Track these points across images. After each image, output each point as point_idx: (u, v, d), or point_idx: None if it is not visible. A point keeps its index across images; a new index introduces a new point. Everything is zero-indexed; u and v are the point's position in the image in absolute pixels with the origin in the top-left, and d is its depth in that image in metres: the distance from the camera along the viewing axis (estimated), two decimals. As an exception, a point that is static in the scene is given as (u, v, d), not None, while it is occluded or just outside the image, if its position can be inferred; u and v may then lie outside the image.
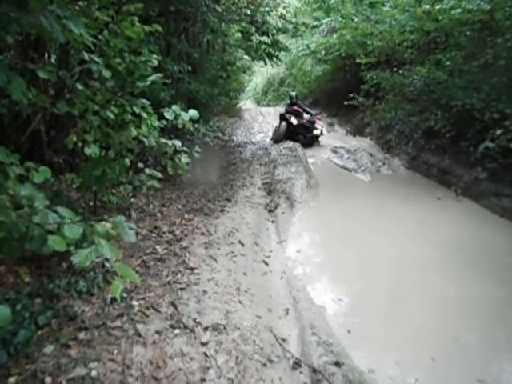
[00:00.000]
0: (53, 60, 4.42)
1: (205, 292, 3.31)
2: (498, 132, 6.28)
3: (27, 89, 2.16)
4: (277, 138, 11.09)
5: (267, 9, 9.92)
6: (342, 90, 13.06)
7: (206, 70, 9.41)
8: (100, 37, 3.13)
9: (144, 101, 3.49)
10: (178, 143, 3.57)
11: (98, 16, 2.97)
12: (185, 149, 3.70)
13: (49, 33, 2.16)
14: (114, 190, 4.62)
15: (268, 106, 21.02)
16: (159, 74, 3.76)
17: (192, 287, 3.36)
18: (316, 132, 11.04)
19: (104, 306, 2.88)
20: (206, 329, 2.83)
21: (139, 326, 2.73)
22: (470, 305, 3.74)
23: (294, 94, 12.15)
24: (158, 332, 2.71)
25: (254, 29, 9.89)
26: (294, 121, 10.86)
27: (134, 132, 3.31)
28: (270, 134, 12.24)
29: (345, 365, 2.81)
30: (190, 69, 7.32)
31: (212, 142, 9.63)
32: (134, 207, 4.83)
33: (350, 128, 12.91)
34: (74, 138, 3.22)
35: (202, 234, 4.54)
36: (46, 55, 4.27)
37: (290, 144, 10.24)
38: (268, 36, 10.29)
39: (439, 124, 8.05)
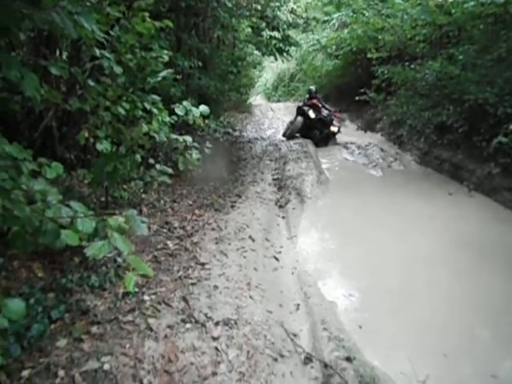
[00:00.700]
0: (64, 56, 4.45)
1: (216, 287, 3.32)
2: (512, 127, 6.21)
3: (39, 85, 2.18)
4: (291, 133, 10.67)
5: (278, 4, 9.88)
6: (352, 85, 12.98)
7: (216, 65, 9.41)
8: (111, 33, 3.14)
9: (155, 96, 3.51)
10: (188, 139, 3.57)
11: (110, 12, 2.99)
12: (195, 144, 3.71)
13: (61, 29, 2.18)
14: (125, 186, 4.65)
15: (278, 101, 20.98)
16: (170, 70, 3.77)
17: (203, 282, 3.38)
18: (333, 129, 10.49)
19: (116, 301, 2.91)
20: (217, 323, 2.84)
21: (151, 321, 2.75)
22: (482, 300, 3.70)
23: (313, 87, 11.59)
24: (169, 326, 2.73)
25: (264, 24, 9.86)
26: (311, 114, 10.35)
27: (145, 128, 3.32)
28: (281, 129, 12.11)
29: (356, 360, 2.80)
30: (200, 64, 7.32)
31: (222, 138, 9.64)
32: (145, 203, 4.85)
33: (360, 123, 12.83)
34: (86, 134, 3.24)
35: (213, 229, 4.55)
36: (58, 51, 4.29)
37: (300, 139, 10.19)
38: (278, 31, 10.26)
39: (452, 119, 7.96)
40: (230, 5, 7.37)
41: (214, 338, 2.69)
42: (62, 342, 2.44)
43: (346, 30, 13.46)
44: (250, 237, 4.49)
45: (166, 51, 3.65)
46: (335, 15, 14.33)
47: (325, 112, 10.62)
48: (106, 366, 2.30)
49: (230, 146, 9.70)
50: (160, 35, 4.61)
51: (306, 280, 3.96)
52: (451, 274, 4.14)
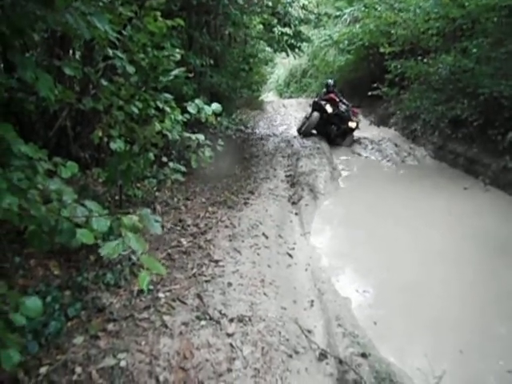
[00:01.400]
0: (78, 56, 4.48)
1: (230, 284, 3.34)
2: (528, 120, 6.11)
3: (54, 85, 2.20)
4: (306, 130, 10.21)
5: (289, 0, 9.83)
6: (365, 80, 12.87)
7: (228, 63, 9.41)
8: (124, 32, 3.16)
9: (167, 95, 3.52)
10: (201, 137, 3.58)
11: (122, 12, 3.00)
12: (208, 142, 3.71)
13: (74, 30, 2.20)
14: (138, 184, 4.68)
15: (290, 97, 20.94)
16: (182, 68, 3.77)
17: (217, 279, 3.39)
18: (351, 124, 9.89)
19: (131, 298, 2.94)
20: (231, 320, 2.85)
21: (166, 318, 2.77)
22: (498, 295, 3.67)
23: (331, 81, 10.95)
24: (184, 323, 2.75)
25: (275, 20, 9.81)
26: (329, 108, 9.84)
27: (158, 126, 3.34)
28: (293, 125, 12.06)
29: (371, 356, 2.80)
30: (212, 62, 7.32)
31: (235, 135, 9.64)
32: (159, 201, 4.88)
33: (373, 118, 12.73)
34: (100, 133, 3.27)
35: (226, 226, 4.56)
36: (72, 52, 4.33)
37: (314, 137, 10.08)
38: (290, 27, 10.20)
39: (466, 113, 7.86)
40: (241, 2, 7.34)
41: (229, 335, 2.70)
42: (78, 339, 2.47)
43: (357, 25, 13.34)
44: (264, 234, 4.50)
45: (177, 50, 3.66)
46: (347, 10, 14.25)
47: (343, 107, 10.10)
48: (123, 363, 2.32)
49: (243, 143, 9.70)
50: (172, 34, 4.61)
51: (319, 276, 3.96)
52: (466, 269, 4.10)
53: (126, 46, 3.23)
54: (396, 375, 2.67)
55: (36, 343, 2.31)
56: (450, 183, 6.96)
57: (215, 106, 3.46)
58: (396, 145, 9.63)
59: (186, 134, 3.57)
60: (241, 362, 2.49)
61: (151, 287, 3.10)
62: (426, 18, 9.63)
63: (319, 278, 3.92)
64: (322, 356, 2.79)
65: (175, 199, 5.17)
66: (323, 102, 10.04)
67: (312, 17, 11.45)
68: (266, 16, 9.43)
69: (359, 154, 9.16)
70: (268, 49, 12.82)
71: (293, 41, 10.53)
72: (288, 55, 11.47)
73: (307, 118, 10.41)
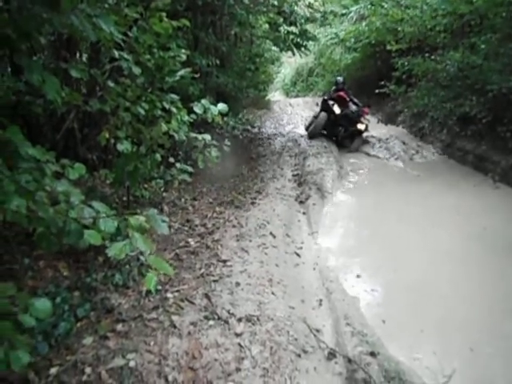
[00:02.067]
0: (84, 59, 4.51)
1: (238, 284, 3.34)
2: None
3: (60, 88, 2.21)
4: (313, 132, 9.81)
5: (295, -2, 9.82)
6: (372, 78, 12.81)
7: (234, 62, 9.42)
8: (129, 34, 3.17)
9: (173, 96, 3.53)
10: (207, 137, 3.59)
11: (127, 13, 3.02)
12: (214, 142, 3.72)
13: (80, 32, 2.21)
14: (146, 185, 4.70)
15: (297, 96, 20.90)
16: (188, 69, 3.78)
17: (225, 279, 3.40)
18: (360, 126, 9.35)
19: (140, 299, 2.95)
20: (239, 320, 2.85)
21: (174, 318, 2.78)
22: (507, 294, 3.63)
23: (340, 78, 10.52)
24: (192, 323, 2.75)
25: (281, 19, 9.79)
26: (336, 109, 9.38)
27: (165, 127, 3.35)
28: (300, 125, 12.03)
29: (380, 355, 2.78)
30: (218, 62, 7.33)
31: (241, 135, 9.65)
32: (166, 201, 4.90)
33: (381, 116, 12.64)
34: (107, 135, 3.29)
35: (234, 226, 4.56)
36: (78, 54, 4.36)
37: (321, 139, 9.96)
38: (296, 26, 10.18)
39: (475, 109, 7.78)
40: (246, 1, 7.34)
41: (237, 335, 2.70)
42: (88, 340, 2.49)
43: (364, 23, 13.26)
44: (271, 233, 4.49)
45: (183, 50, 3.67)
46: (353, 8, 14.17)
47: (353, 107, 9.60)
48: (132, 363, 2.33)
49: (249, 142, 9.70)
50: (177, 34, 4.63)
51: (327, 275, 3.95)
52: (474, 268, 4.07)
53: (132, 47, 3.24)
54: (405, 374, 2.66)
55: (46, 344, 2.33)
56: (458, 181, 6.90)
57: (221, 106, 3.46)
58: (404, 143, 9.57)
59: (193, 135, 3.58)
60: (249, 361, 2.48)
61: (159, 287, 3.11)
62: (433, 14, 9.56)
63: (327, 277, 3.90)
64: (331, 355, 2.78)
65: (182, 199, 5.18)
66: (331, 102, 9.60)
67: (318, 15, 11.43)
68: (271, 15, 9.41)
69: (367, 153, 9.11)
70: (274, 48, 12.81)
71: (299, 39, 10.50)
72: (294, 54, 11.44)
73: (315, 118, 10.08)
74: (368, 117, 9.61)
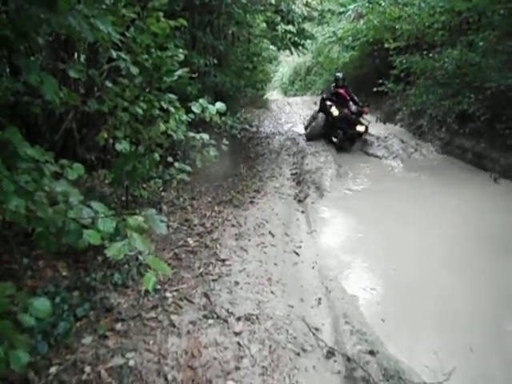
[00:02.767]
0: (82, 59, 4.51)
1: (236, 283, 3.35)
2: (536, 113, 6.06)
3: (59, 88, 2.22)
4: (311, 134, 9.55)
5: (292, -3, 9.82)
6: (370, 77, 12.81)
7: (231, 62, 9.40)
8: (127, 34, 3.17)
9: (171, 95, 3.53)
10: (205, 136, 3.59)
11: (125, 13, 3.02)
12: (213, 142, 3.72)
13: (77, 32, 2.21)
14: (144, 185, 4.70)
15: (295, 95, 20.88)
16: (186, 69, 3.78)
17: (224, 278, 3.41)
18: (360, 129, 8.90)
19: (139, 298, 2.96)
20: (238, 319, 2.87)
21: (173, 317, 2.79)
22: (509, 294, 3.63)
23: (340, 74, 10.07)
24: (192, 322, 2.77)
25: (279, 18, 9.77)
26: (334, 111, 8.94)
27: (163, 127, 3.35)
28: (299, 123, 12.03)
29: (379, 353, 2.80)
30: (215, 62, 7.32)
31: (239, 134, 9.63)
32: (165, 201, 4.90)
33: (379, 115, 12.64)
34: (105, 135, 3.29)
35: (233, 225, 4.57)
36: (76, 55, 4.35)
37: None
38: (293, 25, 10.17)
39: (473, 107, 7.80)
40: (244, 1, 7.34)
41: (236, 333, 2.71)
42: (87, 339, 2.49)
43: (362, 21, 13.27)
44: (270, 232, 4.51)
45: (181, 50, 3.67)
46: (351, 6, 14.16)
47: (353, 107, 9.19)
48: (131, 362, 2.35)
49: (248, 141, 9.71)
50: (175, 34, 4.63)
51: (326, 274, 3.96)
52: (478, 265, 4.07)
53: (130, 47, 3.24)
54: (405, 372, 2.67)
55: (45, 343, 2.34)
56: (457, 179, 6.91)
57: (219, 105, 3.46)
58: (402, 141, 9.57)
59: (191, 134, 3.58)
60: (248, 360, 2.50)
61: (158, 287, 3.12)
62: (431, 12, 9.55)
63: (326, 276, 3.91)
64: (330, 354, 2.80)
65: (181, 199, 5.19)
66: (329, 103, 9.24)
67: (315, 14, 11.44)
68: (269, 14, 9.39)
69: (365, 151, 9.12)
70: (272, 47, 12.79)
71: (296, 38, 10.48)
72: (292, 53, 11.41)
73: (314, 118, 9.82)
74: (366, 116, 9.50)
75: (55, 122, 3.93)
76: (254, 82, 12.90)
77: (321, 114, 9.41)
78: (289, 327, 2.89)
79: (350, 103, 9.32)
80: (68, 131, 3.91)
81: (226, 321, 2.83)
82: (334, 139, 9.13)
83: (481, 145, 7.60)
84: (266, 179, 6.71)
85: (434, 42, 9.82)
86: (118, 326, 2.66)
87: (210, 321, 2.82)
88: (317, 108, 10.14)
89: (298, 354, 2.66)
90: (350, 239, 4.91)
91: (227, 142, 4.20)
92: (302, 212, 5.59)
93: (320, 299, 3.52)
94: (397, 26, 10.74)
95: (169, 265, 3.06)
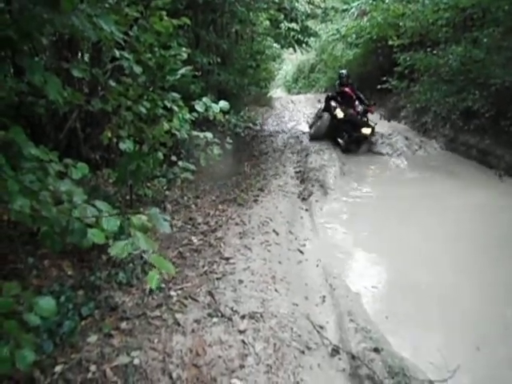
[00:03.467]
0: (86, 59, 4.52)
1: (241, 281, 3.35)
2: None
3: (62, 88, 2.22)
4: (316, 135, 9.28)
5: (295, -5, 9.79)
6: (374, 74, 12.77)
7: (235, 60, 9.39)
8: (130, 33, 3.17)
9: (175, 94, 3.53)
10: (209, 135, 3.59)
11: (128, 12, 3.02)
12: (216, 140, 3.72)
13: (81, 32, 2.22)
14: (148, 184, 4.71)
15: (299, 93, 20.84)
16: (189, 67, 3.78)
17: (228, 277, 3.41)
18: (365, 131, 8.50)
19: (143, 297, 2.97)
20: (243, 317, 2.87)
21: (178, 316, 2.80)
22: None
23: (344, 71, 9.77)
24: (196, 321, 2.77)
25: (282, 16, 9.76)
26: (339, 114, 8.60)
27: (166, 126, 3.35)
28: (302, 122, 12.00)
29: (384, 351, 2.79)
30: (219, 60, 7.31)
31: (243, 133, 9.62)
32: (169, 200, 4.91)
33: (383, 112, 12.60)
34: (109, 134, 3.29)
35: (236, 224, 4.57)
36: (80, 54, 4.37)
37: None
38: (297, 22, 10.15)
39: (478, 104, 7.77)
40: (247, -1, 7.34)
41: (241, 332, 2.72)
42: (92, 338, 2.50)
43: (365, 18, 13.22)
44: (274, 230, 4.50)
45: (184, 49, 3.66)
46: (354, 4, 14.12)
47: (359, 107, 8.83)
48: (136, 361, 2.35)
49: (251, 140, 9.70)
50: (178, 33, 4.62)
51: (330, 272, 3.95)
52: (482, 264, 4.05)
53: (133, 46, 3.24)
54: (409, 369, 2.66)
55: (51, 342, 2.35)
56: (462, 175, 6.89)
57: (223, 103, 3.46)
58: (407, 138, 9.54)
59: (195, 133, 3.58)
60: (253, 358, 2.50)
61: (163, 285, 3.13)
62: (435, 8, 9.51)
63: (330, 274, 3.91)
64: (335, 351, 2.79)
65: (185, 198, 5.19)
66: (333, 104, 8.93)
67: (319, 11, 11.40)
68: (272, 12, 9.36)
69: (369, 149, 9.09)
70: (275, 45, 12.76)
71: (300, 36, 10.47)
72: (295, 51, 11.41)
73: (319, 117, 9.52)
74: (371, 116, 9.29)
75: (59, 121, 3.94)
76: (257, 80, 12.87)
77: (326, 115, 9.14)
78: (293, 325, 2.89)
79: (356, 103, 8.99)
80: (72, 130, 3.92)
81: (230, 319, 2.83)
82: (340, 140, 8.85)
83: (485, 141, 7.57)
84: (270, 177, 6.71)
85: (438, 39, 9.78)
86: (123, 324, 2.67)
87: (215, 319, 2.82)
88: (321, 106, 9.97)
89: (303, 352, 2.66)
90: (355, 237, 4.90)
91: (231, 141, 4.20)
92: (306, 210, 5.59)
93: (324, 297, 3.52)
94: (401, 23, 10.70)
95: (173, 263, 3.06)
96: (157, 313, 2.82)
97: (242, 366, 2.42)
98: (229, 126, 7.99)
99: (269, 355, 2.54)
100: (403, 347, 2.93)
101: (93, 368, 2.28)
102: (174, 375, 2.29)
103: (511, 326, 3.24)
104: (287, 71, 24.95)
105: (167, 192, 5.02)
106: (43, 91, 2.07)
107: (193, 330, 2.67)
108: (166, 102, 3.43)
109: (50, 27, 2.29)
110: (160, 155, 3.66)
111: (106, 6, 2.80)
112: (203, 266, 3.55)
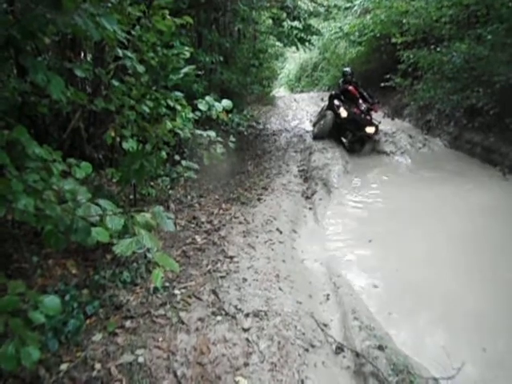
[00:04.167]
0: (89, 58, 4.53)
1: (245, 280, 3.35)
2: (545, 107, 5.98)
3: (65, 87, 2.23)
4: (319, 134, 9.18)
5: (298, -7, 9.76)
6: (377, 72, 12.71)
7: (237, 59, 9.40)
8: (133, 32, 3.18)
9: (178, 93, 3.53)
10: (212, 134, 3.59)
11: (130, 11, 3.02)
12: (219, 139, 3.72)
13: (83, 31, 2.22)
14: (152, 183, 4.72)
15: (302, 92, 20.82)
16: (192, 66, 3.78)
17: (232, 275, 3.41)
18: (369, 130, 8.38)
19: (148, 295, 2.98)
20: (247, 315, 2.87)
21: (182, 314, 2.81)
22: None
23: (348, 69, 9.64)
24: (200, 319, 2.78)
25: (285, 14, 9.73)
26: (343, 113, 8.51)
27: (169, 125, 3.36)
28: (305, 120, 11.98)
29: (388, 348, 2.78)
30: (221, 59, 7.33)
31: (246, 131, 9.63)
32: (173, 199, 4.92)
33: (387, 110, 12.56)
34: (112, 134, 3.30)
35: (240, 222, 4.58)
36: (82, 54, 4.38)
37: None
38: (299, 21, 10.09)
39: (482, 101, 7.71)
40: (249, -3, 7.34)
41: (245, 330, 2.72)
42: (97, 337, 2.52)
43: (368, 16, 13.17)
44: (278, 229, 4.50)
45: (187, 48, 3.67)
46: (357, 1, 14.03)
47: (363, 106, 8.69)
48: (141, 359, 2.36)
49: (255, 139, 9.70)
50: (181, 32, 4.64)
51: (334, 270, 3.95)
52: (486, 263, 4.02)
53: (136, 45, 3.25)
54: (413, 367, 2.65)
55: (56, 341, 2.36)
56: (467, 173, 6.85)
57: (226, 102, 3.46)
58: (410, 136, 9.49)
59: (198, 132, 3.59)
60: (257, 356, 2.50)
61: (167, 284, 3.13)
62: (438, 5, 9.45)
63: (334, 272, 3.91)
64: (339, 349, 2.80)
65: (189, 197, 5.20)
66: (337, 103, 8.85)
67: (322, 9, 11.33)
68: (274, 10, 9.35)
69: (373, 147, 9.06)
70: (278, 43, 12.74)
71: (303, 34, 10.40)
72: (298, 49, 11.33)
73: (323, 116, 9.37)
74: (374, 114, 9.22)
75: (63, 121, 3.96)
76: (260, 79, 12.89)
77: (330, 113, 9.00)
78: (297, 323, 2.89)
79: (360, 101, 8.85)
80: (75, 130, 3.93)
81: (234, 317, 2.84)
82: (344, 140, 8.79)
83: (490, 139, 7.52)
84: (274, 176, 6.71)
85: (442, 36, 9.72)
86: (128, 323, 2.68)
87: (219, 317, 2.83)
88: (324, 104, 9.86)
89: (307, 350, 2.66)
90: (358, 235, 4.88)
91: (234, 140, 4.21)
92: (310, 209, 5.59)
93: (328, 295, 3.52)
94: (404, 21, 10.64)
95: (177, 262, 3.07)
96: (161, 311, 2.83)
97: (246, 364, 2.42)
98: (232, 125, 8.00)
99: (273, 353, 2.54)
100: (407, 345, 2.93)
101: (98, 366, 2.29)
102: (179, 373, 2.30)
103: (507, 319, 3.22)
104: (290, 70, 24.91)
105: (171, 191, 5.03)
106: (46, 91, 2.07)
107: (197, 329, 2.68)
108: (169, 101, 3.44)
109: (52, 27, 2.29)
110: (163, 154, 3.67)
111: (109, 5, 2.80)
112: (207, 265, 3.56)
